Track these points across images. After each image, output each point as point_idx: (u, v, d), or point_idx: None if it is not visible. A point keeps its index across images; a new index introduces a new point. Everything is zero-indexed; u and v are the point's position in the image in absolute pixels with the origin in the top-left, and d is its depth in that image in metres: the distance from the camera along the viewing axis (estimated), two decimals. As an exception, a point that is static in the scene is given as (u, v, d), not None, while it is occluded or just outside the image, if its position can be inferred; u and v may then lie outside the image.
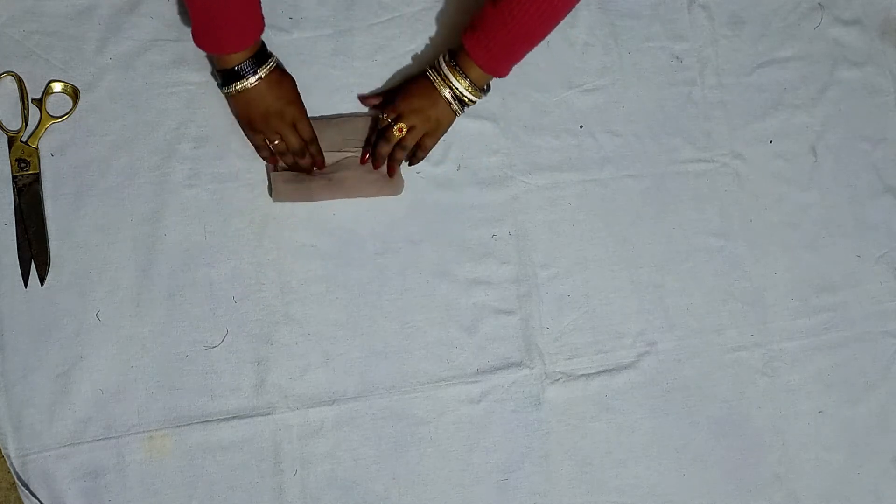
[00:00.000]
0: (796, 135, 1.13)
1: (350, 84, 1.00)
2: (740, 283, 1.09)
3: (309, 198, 0.96)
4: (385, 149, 0.96)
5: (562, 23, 1.06)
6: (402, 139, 0.95)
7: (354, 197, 0.98)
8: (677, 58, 1.11)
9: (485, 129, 1.03)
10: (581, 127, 1.07)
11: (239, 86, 0.89)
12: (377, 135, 0.97)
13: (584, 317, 1.04)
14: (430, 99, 0.94)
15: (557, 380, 1.02)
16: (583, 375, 1.03)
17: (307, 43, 0.99)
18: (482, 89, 0.95)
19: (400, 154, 0.96)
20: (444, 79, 0.94)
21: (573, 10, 1.02)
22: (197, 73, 0.97)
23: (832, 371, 1.10)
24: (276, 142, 0.93)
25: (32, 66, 0.93)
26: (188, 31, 0.97)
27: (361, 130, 0.99)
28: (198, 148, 0.96)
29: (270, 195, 0.96)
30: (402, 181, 0.99)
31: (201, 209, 0.95)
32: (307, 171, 0.96)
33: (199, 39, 0.88)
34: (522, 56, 0.94)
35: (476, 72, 0.93)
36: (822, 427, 1.09)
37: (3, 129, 0.92)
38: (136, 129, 0.95)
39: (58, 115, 0.92)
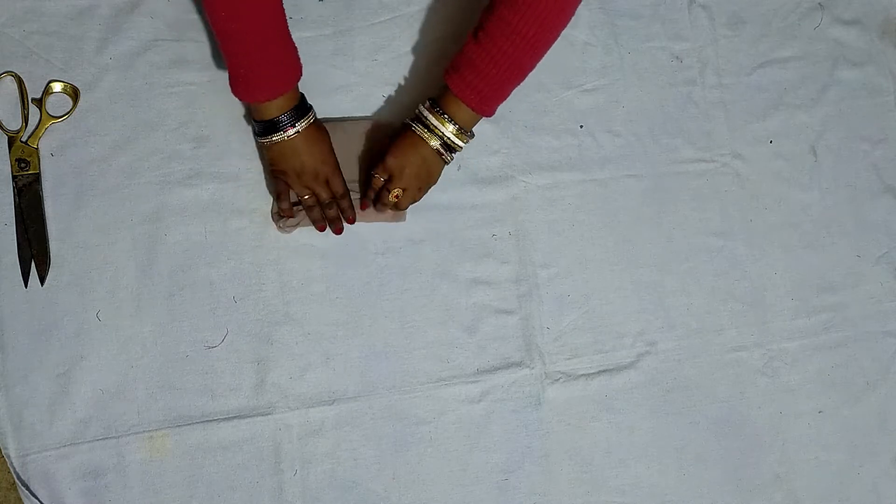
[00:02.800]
0: (796, 135, 1.14)
1: (350, 84, 1.00)
2: (740, 283, 1.09)
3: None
4: (382, 208, 0.95)
5: (562, 23, 1.07)
6: (397, 202, 0.94)
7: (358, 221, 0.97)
8: (677, 58, 1.11)
9: (485, 129, 1.03)
10: (581, 127, 1.07)
11: (276, 137, 0.88)
12: (375, 196, 0.94)
13: (584, 317, 1.04)
14: (419, 155, 0.92)
15: (557, 380, 1.02)
16: (583, 375, 1.03)
17: (307, 43, 0.99)
18: (469, 133, 0.93)
19: (399, 208, 0.95)
20: (431, 128, 0.91)
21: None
22: (197, 73, 0.97)
23: (832, 371, 1.10)
24: (307, 196, 0.92)
25: (32, 66, 0.93)
26: (188, 31, 0.97)
27: (368, 136, 0.98)
28: (198, 148, 0.96)
29: (275, 221, 0.96)
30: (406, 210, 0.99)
31: (201, 209, 0.95)
32: (332, 227, 0.95)
33: (236, 89, 0.87)
34: (511, 91, 0.92)
35: (464, 114, 0.90)
36: (822, 427, 1.09)
37: (3, 129, 0.92)
38: (136, 129, 0.95)
39: (58, 115, 0.92)
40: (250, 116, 0.94)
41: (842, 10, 1.17)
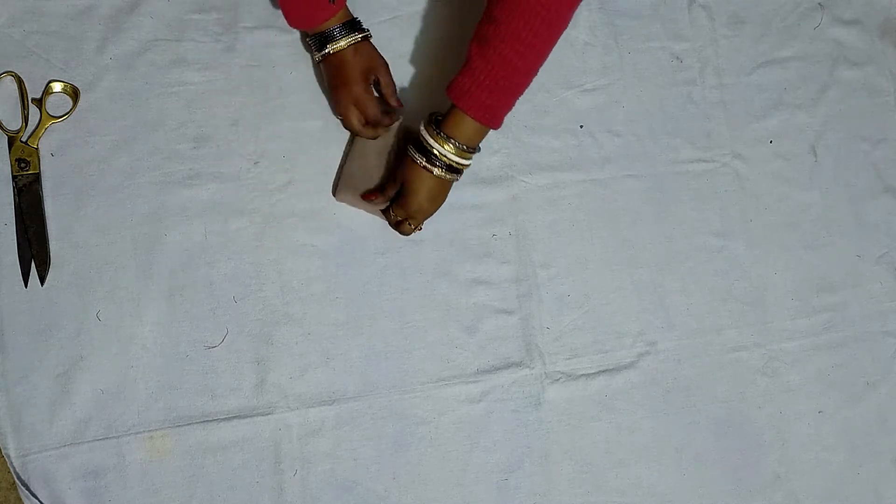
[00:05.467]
0: (796, 135, 1.14)
1: (350, 84, 1.00)
2: (740, 283, 1.09)
3: (365, 208, 0.97)
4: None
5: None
6: (418, 226, 0.95)
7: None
8: (677, 58, 1.11)
9: (485, 129, 1.03)
10: (581, 127, 1.07)
11: (329, 49, 0.91)
12: (392, 225, 0.95)
13: (584, 317, 1.04)
14: (427, 185, 0.90)
15: (557, 380, 1.02)
16: (583, 375, 1.03)
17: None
18: (473, 149, 0.90)
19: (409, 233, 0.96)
20: (432, 153, 0.88)
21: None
22: (197, 73, 0.97)
23: (832, 371, 1.10)
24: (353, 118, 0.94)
25: (32, 66, 0.93)
26: (188, 31, 0.97)
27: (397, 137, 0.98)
28: (198, 148, 0.96)
29: (333, 194, 0.98)
30: None
31: (201, 209, 0.95)
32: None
33: (289, 17, 0.91)
34: (516, 100, 0.90)
35: (469, 130, 0.88)
36: (822, 427, 1.09)
37: (3, 129, 0.92)
38: (136, 129, 0.95)
39: (58, 115, 0.92)
40: (306, 36, 0.96)
41: (842, 10, 1.17)
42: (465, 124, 0.88)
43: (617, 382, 1.04)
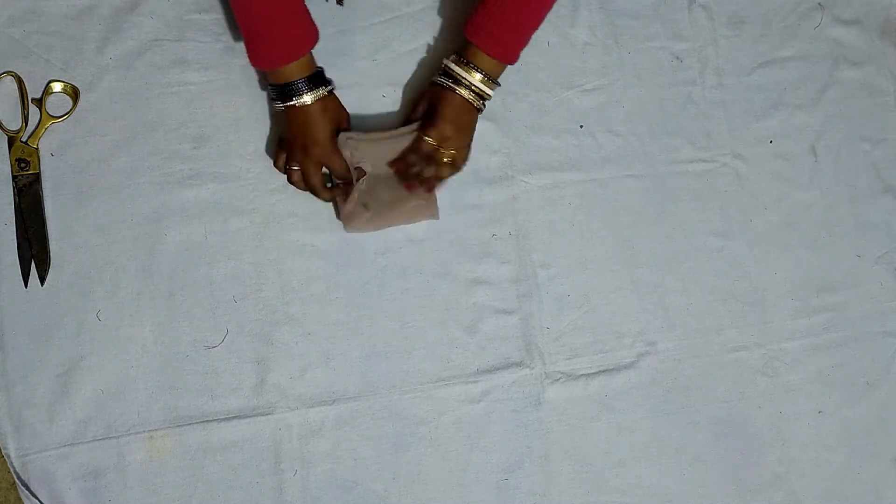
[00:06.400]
0: (796, 135, 1.14)
1: (350, 84, 1.00)
2: (740, 283, 1.09)
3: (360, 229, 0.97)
4: (432, 171, 0.94)
5: (562, 22, 1.07)
6: (453, 161, 0.94)
7: (397, 225, 0.97)
8: (677, 58, 1.11)
9: (485, 129, 1.03)
10: (581, 127, 1.07)
11: (292, 102, 0.87)
12: (422, 157, 0.94)
13: (584, 317, 1.04)
14: (460, 110, 0.93)
15: (557, 380, 1.02)
16: (583, 375, 1.03)
17: (307, 43, 0.99)
18: (496, 82, 0.94)
19: (447, 172, 0.95)
20: (460, 80, 0.92)
21: (574, 9, 1.03)
22: (197, 73, 0.97)
23: (832, 371, 1.10)
24: (295, 168, 0.92)
25: (32, 66, 0.93)
26: (188, 31, 0.97)
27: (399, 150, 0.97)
28: (198, 148, 0.96)
29: (338, 217, 0.97)
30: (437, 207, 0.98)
31: (201, 209, 0.95)
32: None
33: (250, 55, 0.87)
34: (530, 35, 0.93)
35: (489, 64, 0.92)
36: (822, 427, 1.09)
37: (3, 129, 0.92)
38: (136, 129, 0.95)
39: (58, 115, 0.92)
40: (266, 83, 0.93)
41: (842, 10, 1.17)
42: (485, 59, 0.91)
43: (617, 382, 1.04)
